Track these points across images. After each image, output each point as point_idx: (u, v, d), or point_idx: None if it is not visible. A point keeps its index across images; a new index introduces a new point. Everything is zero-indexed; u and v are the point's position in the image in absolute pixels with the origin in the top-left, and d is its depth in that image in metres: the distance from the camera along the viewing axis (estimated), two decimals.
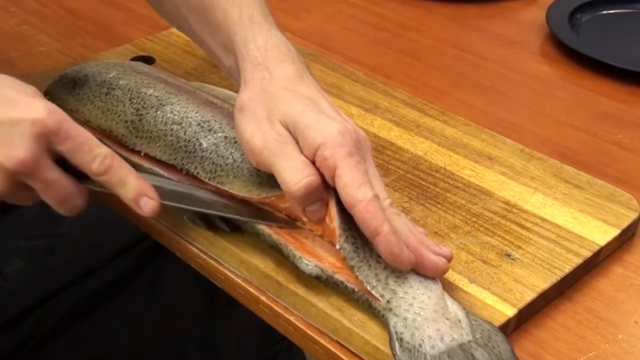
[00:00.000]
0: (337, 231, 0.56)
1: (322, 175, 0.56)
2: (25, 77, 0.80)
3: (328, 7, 1.06)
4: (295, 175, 0.55)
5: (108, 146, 0.68)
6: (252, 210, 0.61)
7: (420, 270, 0.55)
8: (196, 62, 0.86)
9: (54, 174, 0.56)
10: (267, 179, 0.61)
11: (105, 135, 0.69)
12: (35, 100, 0.56)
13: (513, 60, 0.95)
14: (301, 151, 0.56)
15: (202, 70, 0.85)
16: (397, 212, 0.57)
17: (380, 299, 0.54)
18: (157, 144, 0.66)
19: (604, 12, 1.03)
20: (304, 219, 0.58)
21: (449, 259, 0.57)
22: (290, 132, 0.57)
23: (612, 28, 1.01)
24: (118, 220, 0.72)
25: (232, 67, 0.65)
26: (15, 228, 0.88)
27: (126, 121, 0.68)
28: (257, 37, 0.63)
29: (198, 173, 0.63)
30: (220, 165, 0.63)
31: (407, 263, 0.54)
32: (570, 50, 0.94)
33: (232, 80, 0.67)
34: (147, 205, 0.57)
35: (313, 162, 0.56)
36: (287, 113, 0.57)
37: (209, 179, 0.63)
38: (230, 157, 0.63)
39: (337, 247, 0.56)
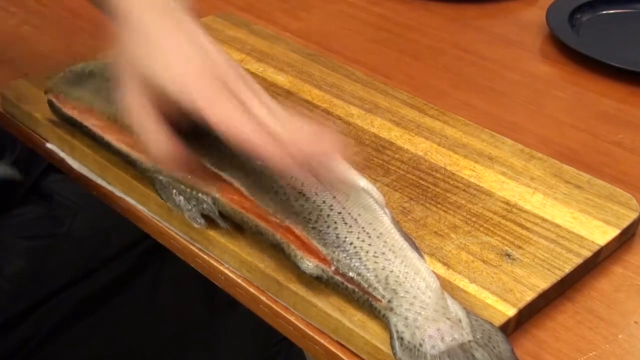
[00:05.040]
0: (323, 249, 0.57)
1: None
2: (25, 77, 0.81)
3: (328, 7, 1.06)
4: (151, 148, 0.58)
5: (109, 142, 0.69)
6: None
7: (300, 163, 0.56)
8: None
9: None
10: (271, 187, 0.61)
11: (108, 127, 0.69)
12: None
13: (513, 60, 0.95)
14: (160, 114, 0.57)
15: None
16: (271, 109, 0.57)
17: (381, 299, 0.55)
18: None
19: (604, 12, 1.03)
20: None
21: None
22: (155, 87, 0.57)
23: (612, 28, 1.01)
24: (118, 220, 0.72)
25: (109, 14, 0.64)
26: (15, 228, 0.88)
27: None
28: None
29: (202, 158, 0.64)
30: (225, 154, 0.64)
31: (285, 166, 0.55)
32: (570, 50, 0.94)
33: (102, 13, 0.66)
34: None
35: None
36: (147, 65, 0.57)
37: (211, 164, 0.64)
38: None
39: (329, 258, 0.57)
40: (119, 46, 0.60)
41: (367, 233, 0.58)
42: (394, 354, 0.53)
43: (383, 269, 0.56)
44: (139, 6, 0.61)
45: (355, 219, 0.59)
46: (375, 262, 0.56)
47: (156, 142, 0.57)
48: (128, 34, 0.60)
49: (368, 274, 0.56)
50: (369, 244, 0.57)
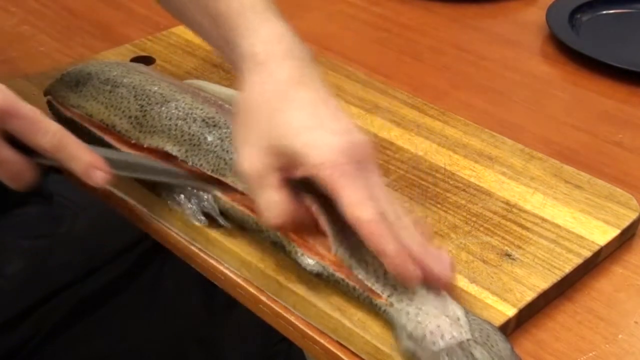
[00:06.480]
0: (330, 237, 0.57)
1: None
2: (25, 77, 0.81)
3: (328, 7, 1.06)
4: (265, 213, 0.56)
5: (109, 142, 0.69)
6: (203, 180, 0.64)
7: (425, 282, 0.55)
8: (196, 62, 0.86)
9: (4, 152, 0.56)
10: None
11: (108, 130, 0.69)
12: None
13: (513, 60, 0.95)
14: (283, 180, 0.56)
15: (202, 70, 0.85)
16: (400, 217, 0.55)
17: (381, 294, 0.55)
18: (161, 137, 0.66)
19: (604, 12, 1.03)
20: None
21: (452, 266, 0.56)
22: (285, 153, 0.56)
23: (612, 28, 1.01)
24: (118, 220, 0.72)
25: (236, 62, 0.63)
26: (15, 228, 0.88)
27: (130, 117, 0.68)
28: (260, 29, 0.60)
29: (202, 165, 0.64)
30: (224, 159, 0.63)
31: (414, 280, 0.54)
32: (570, 50, 0.94)
33: (236, 74, 0.65)
34: (98, 176, 0.58)
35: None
36: (282, 134, 0.56)
37: (212, 172, 0.63)
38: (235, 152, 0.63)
39: (332, 251, 0.57)
40: (247, 92, 0.59)
41: None
42: (400, 344, 0.53)
43: (380, 265, 0.56)
44: (275, 56, 0.59)
45: None
46: (372, 258, 0.56)
47: (272, 210, 0.56)
48: (260, 83, 0.59)
49: (367, 268, 0.56)
50: None
